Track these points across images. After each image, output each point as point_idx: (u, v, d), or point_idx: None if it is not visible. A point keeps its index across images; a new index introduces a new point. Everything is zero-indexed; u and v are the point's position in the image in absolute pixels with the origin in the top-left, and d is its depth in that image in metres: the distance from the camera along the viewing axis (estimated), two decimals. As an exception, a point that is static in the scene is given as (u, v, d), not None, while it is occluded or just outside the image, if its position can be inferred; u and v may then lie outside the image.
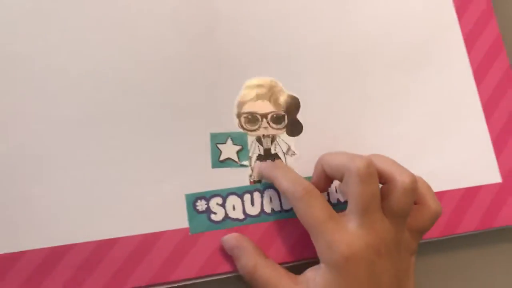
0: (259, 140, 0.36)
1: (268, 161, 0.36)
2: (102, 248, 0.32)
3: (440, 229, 0.37)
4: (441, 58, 0.41)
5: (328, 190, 0.36)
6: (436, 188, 0.35)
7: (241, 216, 0.35)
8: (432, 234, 0.37)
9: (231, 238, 0.33)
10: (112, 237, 0.33)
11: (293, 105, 0.37)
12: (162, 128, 0.35)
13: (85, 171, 0.33)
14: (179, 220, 0.34)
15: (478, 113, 0.40)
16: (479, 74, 0.41)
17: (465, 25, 0.42)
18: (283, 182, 0.32)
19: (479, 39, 0.41)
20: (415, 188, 0.31)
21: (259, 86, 0.37)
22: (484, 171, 0.39)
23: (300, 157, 0.36)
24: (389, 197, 0.31)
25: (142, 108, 0.35)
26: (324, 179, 0.34)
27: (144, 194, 0.34)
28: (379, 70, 0.39)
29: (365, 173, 0.30)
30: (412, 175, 0.32)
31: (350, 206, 0.30)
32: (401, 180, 0.31)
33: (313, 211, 0.30)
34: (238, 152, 0.36)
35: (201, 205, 0.34)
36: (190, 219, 0.34)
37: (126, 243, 0.33)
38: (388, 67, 0.39)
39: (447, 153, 0.39)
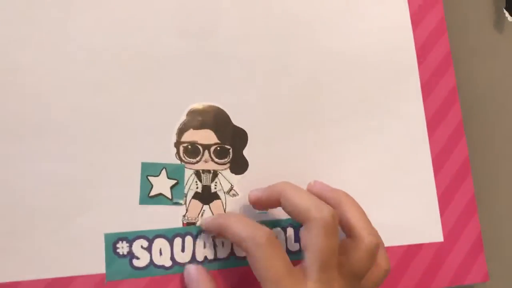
0: (198, 175, 0.32)
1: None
2: (-4, 293, 0.26)
3: (378, 288, 0.35)
4: (397, 105, 0.38)
5: None
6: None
7: (168, 263, 0.30)
8: (371, 293, 0.34)
9: (193, 269, 0.30)
10: (14, 280, 0.27)
11: (240, 139, 0.33)
12: (82, 150, 0.29)
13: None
14: (95, 264, 0.29)
15: (427, 167, 0.38)
16: (432, 125, 0.39)
17: (424, 72, 0.40)
18: (239, 228, 0.28)
19: (436, 88, 0.40)
20: (377, 250, 0.30)
21: (204, 112, 0.32)
22: (427, 228, 0.37)
23: (242, 199, 0.32)
24: (351, 256, 0.30)
25: (54, 122, 0.29)
26: (271, 205, 0.31)
27: (55, 231, 0.28)
28: (333, 111, 0.36)
29: (330, 227, 0.28)
30: (378, 236, 0.31)
31: (309, 259, 0.28)
32: (368, 241, 0.30)
33: (273, 264, 0.27)
34: (172, 188, 0.31)
35: (122, 247, 0.29)
36: (108, 263, 0.29)
37: (27, 289, 0.27)
38: (343, 108, 0.36)
39: (392, 207, 0.37)
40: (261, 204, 0.31)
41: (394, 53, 0.39)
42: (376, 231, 0.31)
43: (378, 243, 0.30)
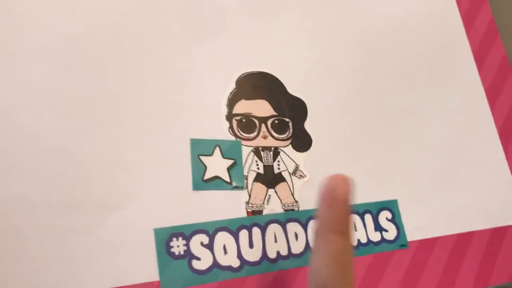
0: (257, 153, 0.26)
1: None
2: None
3: (471, 284, 0.29)
4: (452, 74, 0.34)
5: None
6: (457, 229, 0.30)
7: (236, 263, 0.23)
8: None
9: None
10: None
11: (299, 110, 0.27)
12: (119, 130, 0.23)
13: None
14: (145, 269, 0.21)
15: (495, 141, 0.33)
16: (492, 95, 0.35)
17: (473, 39, 0.36)
18: (319, 258, 0.19)
19: (488, 56, 0.36)
20: None
21: (255, 80, 0.27)
22: (508, 208, 0.32)
23: (311, 181, 0.26)
24: None
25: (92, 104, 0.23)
26: None
27: (90, 228, 0.21)
28: (390, 80, 0.31)
29: None
30: None
31: None
32: None
33: None
34: (229, 169, 0.25)
35: (178, 246, 0.22)
36: (162, 267, 0.22)
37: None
38: (399, 76, 0.32)
39: (465, 187, 0.32)
40: None
41: (440, 18, 0.35)
42: None
43: None
